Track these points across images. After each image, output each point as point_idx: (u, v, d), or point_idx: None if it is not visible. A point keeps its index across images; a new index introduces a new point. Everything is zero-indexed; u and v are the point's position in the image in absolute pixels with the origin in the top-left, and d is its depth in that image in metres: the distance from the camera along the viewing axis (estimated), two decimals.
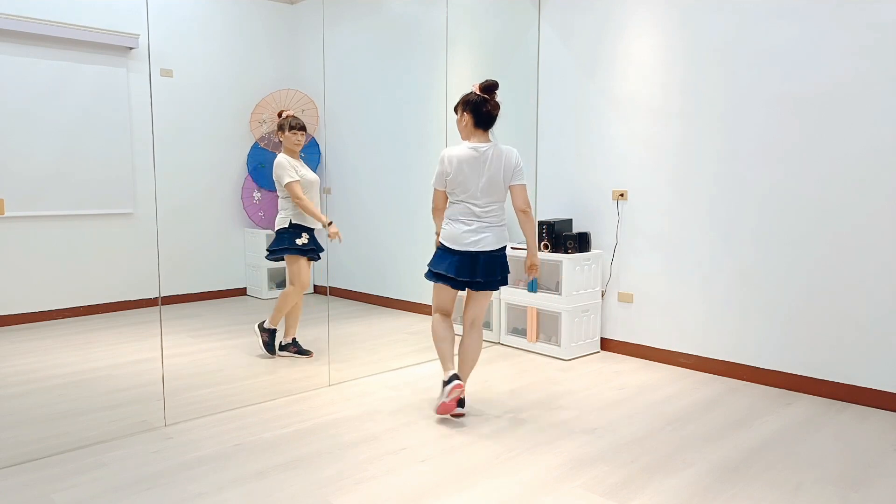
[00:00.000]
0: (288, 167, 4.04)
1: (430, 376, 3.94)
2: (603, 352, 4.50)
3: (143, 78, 5.56)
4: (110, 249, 5.48)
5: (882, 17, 3.25)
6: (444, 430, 3.09)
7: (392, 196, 5.88)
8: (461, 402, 3.26)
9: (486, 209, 3.15)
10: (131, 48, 5.48)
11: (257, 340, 4.31)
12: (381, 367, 4.12)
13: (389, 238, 5.94)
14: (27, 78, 5.00)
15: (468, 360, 3.30)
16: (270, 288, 6.02)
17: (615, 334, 4.48)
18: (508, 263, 3.29)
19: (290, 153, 4.12)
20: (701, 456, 2.80)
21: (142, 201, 5.64)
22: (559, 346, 4.32)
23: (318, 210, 4.10)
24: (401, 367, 4.13)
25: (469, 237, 3.15)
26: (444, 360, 3.24)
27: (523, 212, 3.16)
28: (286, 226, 4.10)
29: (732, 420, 3.22)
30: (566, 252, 4.31)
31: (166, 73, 5.76)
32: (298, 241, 4.10)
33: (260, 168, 6.03)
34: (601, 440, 2.97)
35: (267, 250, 4.21)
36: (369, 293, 6.14)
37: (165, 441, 2.95)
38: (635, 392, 3.65)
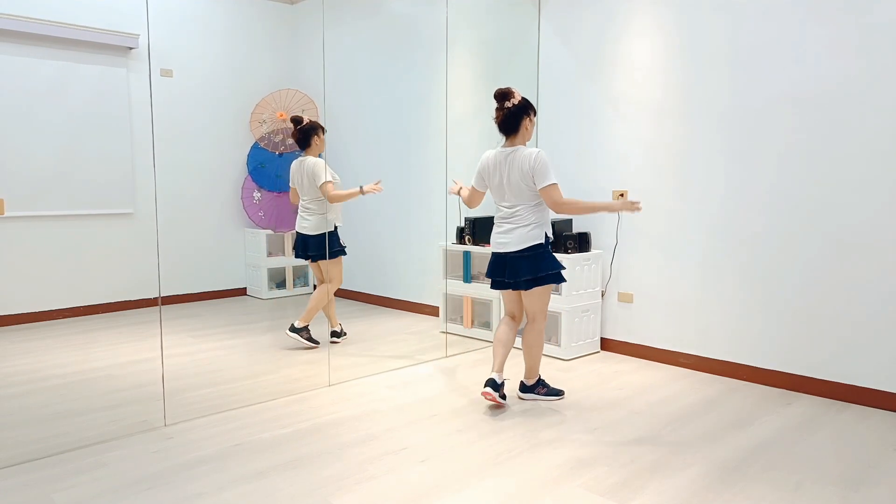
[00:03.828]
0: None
1: (431, 376, 3.94)
2: (603, 352, 4.50)
3: (143, 78, 5.56)
4: (110, 249, 5.48)
5: (881, 17, 3.25)
6: (444, 429, 3.09)
7: (392, 196, 5.88)
8: (499, 392, 3.33)
9: (513, 210, 3.28)
10: (131, 48, 5.48)
11: (297, 340, 4.43)
12: (381, 367, 4.12)
13: (390, 238, 5.94)
14: (27, 78, 5.00)
15: (524, 354, 3.47)
16: (270, 288, 6.02)
17: (615, 334, 4.48)
18: (551, 260, 3.27)
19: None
20: (701, 456, 2.80)
21: (142, 201, 5.64)
22: (559, 346, 4.32)
23: (348, 193, 4.35)
24: (401, 367, 4.13)
25: (498, 238, 3.34)
26: (494, 359, 3.43)
27: (557, 210, 3.23)
28: (332, 228, 4.38)
29: (732, 420, 3.22)
30: (566, 252, 4.31)
31: (166, 73, 5.76)
32: (342, 243, 4.48)
33: (260, 168, 6.03)
34: (601, 440, 2.97)
35: (319, 253, 4.36)
36: (369, 293, 6.14)
37: (165, 441, 2.95)
38: (635, 392, 3.65)
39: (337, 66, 6.28)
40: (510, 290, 3.43)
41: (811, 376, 3.60)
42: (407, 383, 3.81)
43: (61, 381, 3.77)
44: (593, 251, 4.44)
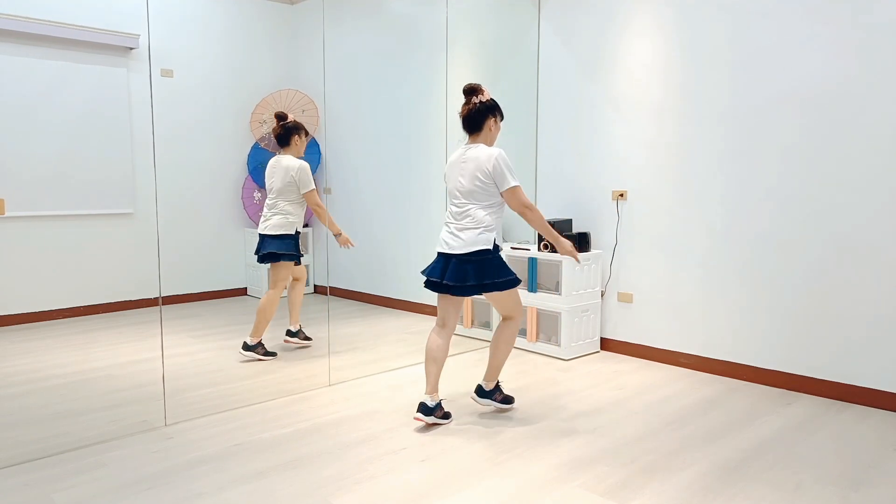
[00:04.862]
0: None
1: None
2: (603, 352, 4.50)
3: (143, 78, 5.55)
4: (110, 249, 5.48)
5: (880, 17, 3.25)
6: (443, 429, 3.09)
7: (392, 196, 5.88)
8: (433, 415, 3.12)
9: (463, 210, 3.08)
10: (131, 48, 5.48)
11: (253, 357, 4.22)
12: (381, 367, 4.12)
13: (389, 238, 5.94)
14: (27, 78, 4.99)
15: (492, 351, 3.27)
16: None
17: (615, 334, 4.48)
18: (497, 268, 3.06)
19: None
20: (701, 456, 2.80)
21: (142, 201, 5.63)
22: (559, 346, 4.32)
23: (331, 221, 4.25)
24: (401, 367, 4.13)
25: (445, 238, 3.12)
26: (427, 379, 3.17)
27: (521, 213, 3.05)
28: (293, 232, 4.23)
29: (732, 420, 3.22)
30: None
31: (166, 73, 5.76)
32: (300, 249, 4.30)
33: (260, 168, 6.02)
34: (601, 440, 2.97)
35: (275, 252, 4.16)
36: (369, 293, 6.14)
37: (165, 441, 2.95)
38: (635, 392, 3.65)
39: (337, 66, 6.28)
40: (445, 295, 3.16)
41: (811, 376, 3.60)
42: (407, 383, 3.81)
43: (61, 381, 3.77)
44: (593, 251, 4.44)
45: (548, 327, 4.44)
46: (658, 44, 4.12)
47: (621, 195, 4.37)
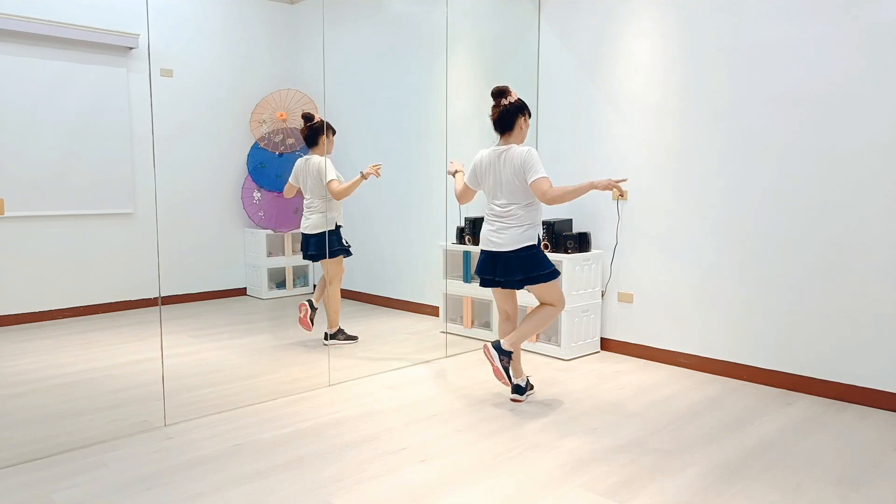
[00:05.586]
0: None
1: (431, 376, 3.94)
2: (603, 352, 4.50)
3: (143, 78, 5.55)
4: (110, 249, 5.48)
5: (881, 16, 3.26)
6: (443, 430, 3.09)
7: (392, 196, 5.88)
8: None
9: (506, 209, 3.27)
10: (131, 48, 5.48)
11: (339, 345, 4.55)
12: (381, 367, 4.12)
13: (390, 238, 5.94)
14: (27, 78, 4.99)
15: (526, 318, 3.36)
16: (270, 288, 6.02)
17: (615, 334, 4.48)
18: (542, 260, 3.26)
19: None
20: (701, 456, 2.80)
21: (142, 201, 5.63)
22: (559, 346, 4.32)
23: (352, 183, 4.36)
24: (401, 367, 4.13)
25: (490, 237, 3.32)
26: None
27: (548, 201, 3.12)
28: (333, 227, 4.40)
29: (732, 420, 3.22)
30: (566, 252, 4.31)
31: (166, 73, 5.76)
32: (346, 242, 4.50)
33: (260, 168, 6.03)
34: (601, 440, 2.97)
35: (317, 254, 4.40)
36: (369, 293, 6.14)
37: (165, 441, 2.95)
38: (635, 392, 3.65)
39: (337, 65, 6.28)
40: (501, 290, 3.43)
41: (811, 376, 3.60)
42: (407, 383, 3.81)
43: (61, 381, 3.77)
44: (593, 251, 4.44)
45: (548, 327, 4.44)
46: (658, 44, 4.12)
47: (621, 195, 4.36)
